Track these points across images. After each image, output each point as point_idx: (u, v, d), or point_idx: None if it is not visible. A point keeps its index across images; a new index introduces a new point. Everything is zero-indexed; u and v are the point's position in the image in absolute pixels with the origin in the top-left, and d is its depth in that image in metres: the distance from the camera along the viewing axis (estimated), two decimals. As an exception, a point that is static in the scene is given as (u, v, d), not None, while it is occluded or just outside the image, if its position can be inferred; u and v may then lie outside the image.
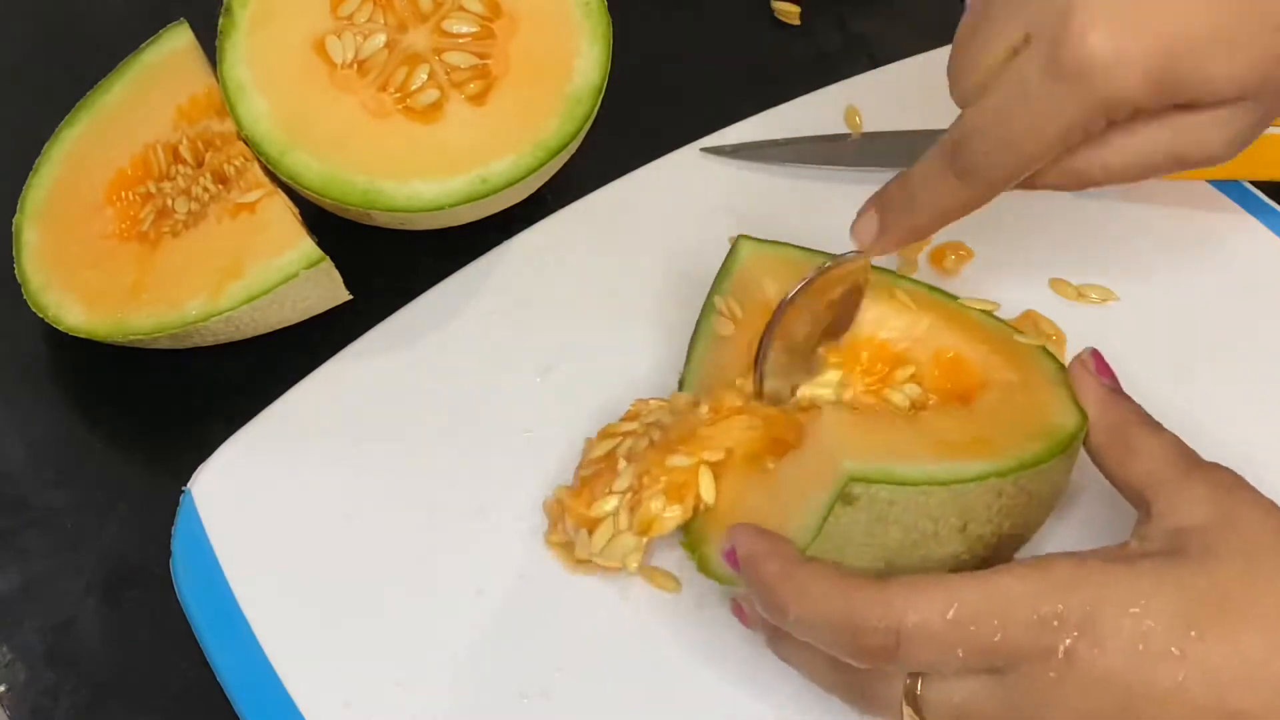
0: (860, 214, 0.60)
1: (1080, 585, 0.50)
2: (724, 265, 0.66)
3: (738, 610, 0.58)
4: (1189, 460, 0.55)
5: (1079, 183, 0.57)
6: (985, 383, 0.60)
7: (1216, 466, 0.54)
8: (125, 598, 0.64)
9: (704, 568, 0.58)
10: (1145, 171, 0.57)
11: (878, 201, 0.60)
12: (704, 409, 0.62)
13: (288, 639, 0.60)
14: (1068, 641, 0.49)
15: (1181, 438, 0.56)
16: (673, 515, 0.59)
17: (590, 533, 0.60)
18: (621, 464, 0.61)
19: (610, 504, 0.60)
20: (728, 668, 0.59)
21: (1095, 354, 0.60)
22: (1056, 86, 0.53)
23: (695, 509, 0.60)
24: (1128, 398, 0.58)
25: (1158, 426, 0.57)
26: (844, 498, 0.54)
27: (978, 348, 0.62)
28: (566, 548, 0.62)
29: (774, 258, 0.65)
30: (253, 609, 0.60)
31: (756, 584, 0.54)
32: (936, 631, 0.50)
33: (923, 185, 0.58)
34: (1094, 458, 0.58)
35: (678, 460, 0.60)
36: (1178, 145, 0.56)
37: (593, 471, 0.62)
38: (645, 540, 0.60)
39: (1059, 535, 0.61)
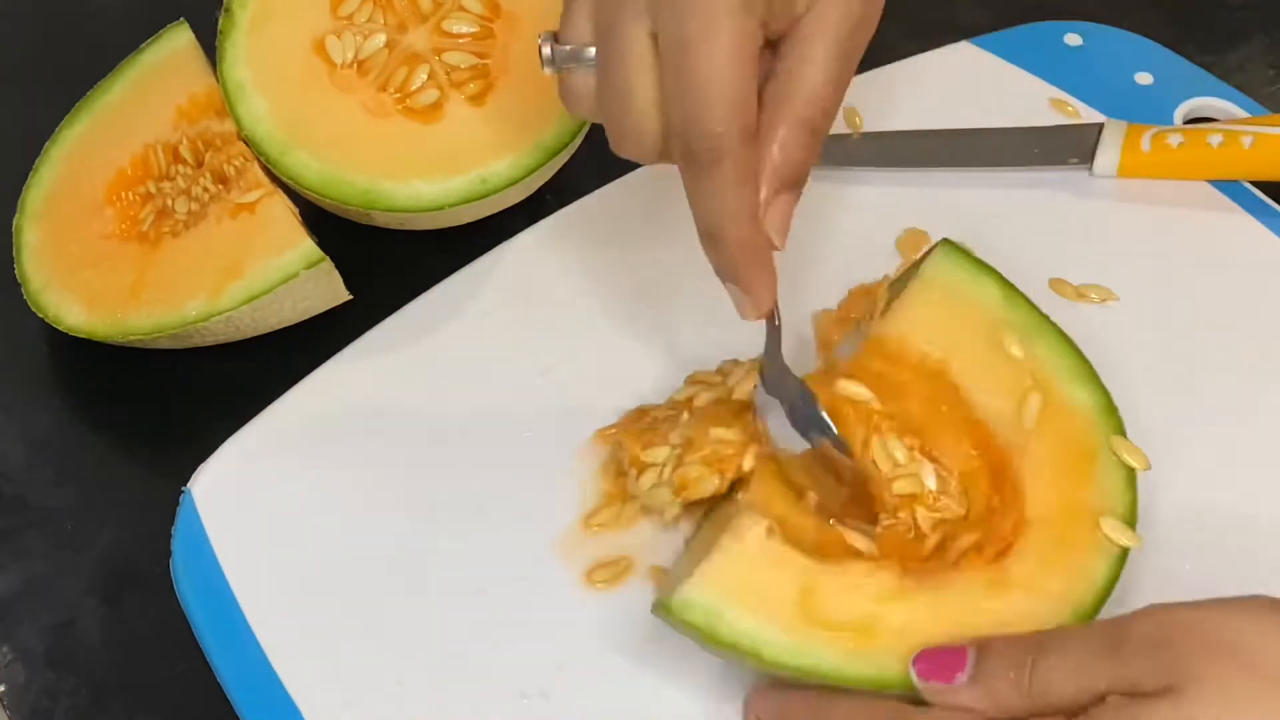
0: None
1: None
2: (916, 263, 0.63)
3: None
4: None
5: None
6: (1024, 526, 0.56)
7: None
8: (125, 598, 0.64)
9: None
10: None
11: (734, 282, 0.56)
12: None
13: (288, 639, 0.60)
14: None
15: (1181, 437, 0.55)
16: (709, 483, 0.59)
17: (639, 474, 0.61)
18: (684, 417, 0.61)
19: (660, 454, 0.60)
20: (728, 668, 0.59)
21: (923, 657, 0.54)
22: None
23: (734, 483, 0.59)
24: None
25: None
26: (656, 613, 0.55)
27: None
28: (617, 481, 0.62)
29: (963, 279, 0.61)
30: (253, 609, 0.60)
31: None
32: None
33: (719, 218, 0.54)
34: None
35: (721, 433, 0.59)
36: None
37: (664, 415, 0.62)
38: (679, 499, 0.60)
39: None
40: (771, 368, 0.59)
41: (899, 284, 0.62)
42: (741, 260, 0.55)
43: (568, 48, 0.56)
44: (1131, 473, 0.56)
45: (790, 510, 0.58)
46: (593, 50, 0.55)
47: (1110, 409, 0.58)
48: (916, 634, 0.53)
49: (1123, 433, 0.57)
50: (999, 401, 0.58)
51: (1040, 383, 0.58)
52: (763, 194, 0.54)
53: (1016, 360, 0.59)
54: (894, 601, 0.54)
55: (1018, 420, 0.58)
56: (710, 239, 0.55)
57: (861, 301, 0.65)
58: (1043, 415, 0.57)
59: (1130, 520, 0.55)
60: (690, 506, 0.61)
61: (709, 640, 0.54)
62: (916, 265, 0.62)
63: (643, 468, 0.61)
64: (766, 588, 0.54)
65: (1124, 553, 0.55)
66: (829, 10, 0.53)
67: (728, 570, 0.54)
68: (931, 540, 0.57)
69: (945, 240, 0.61)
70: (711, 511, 0.61)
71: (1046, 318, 0.60)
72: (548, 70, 0.57)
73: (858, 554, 0.56)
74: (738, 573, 0.54)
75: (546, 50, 0.57)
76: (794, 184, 0.55)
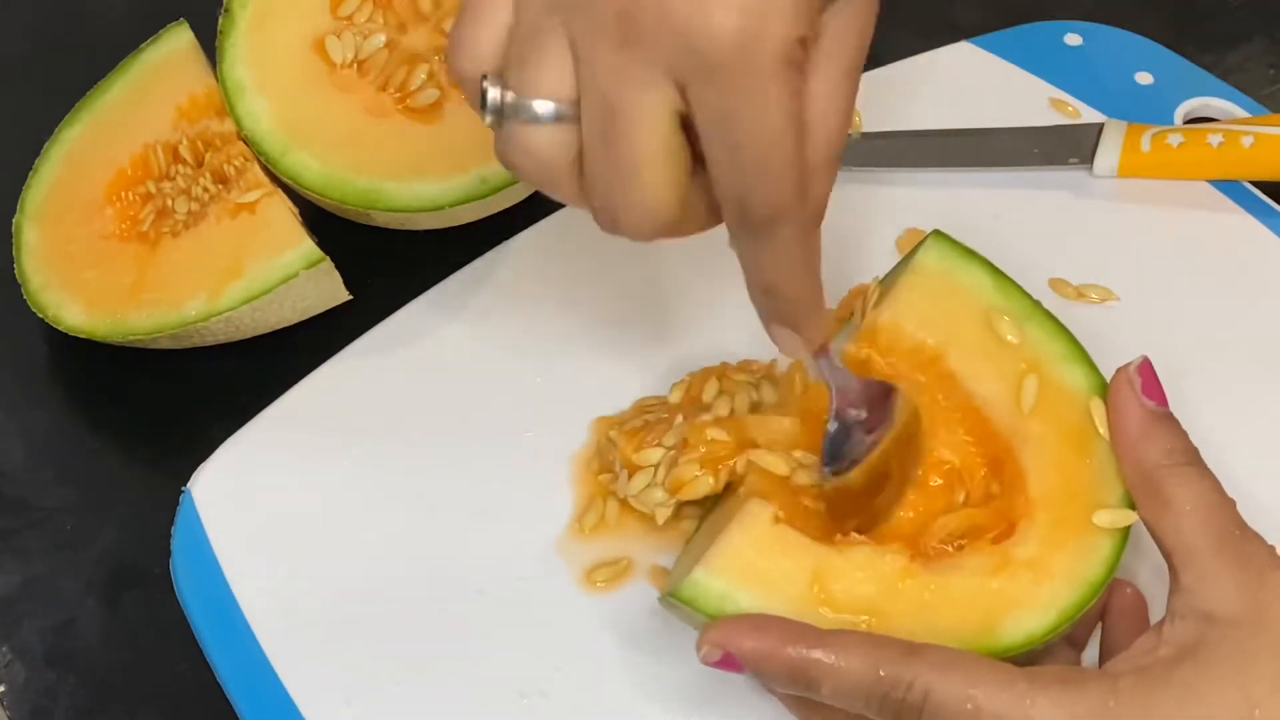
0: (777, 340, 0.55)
1: (1111, 712, 0.49)
2: (906, 256, 0.63)
3: (725, 662, 0.54)
4: (1223, 525, 0.52)
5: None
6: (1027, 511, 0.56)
7: (1252, 538, 0.52)
8: (125, 598, 0.64)
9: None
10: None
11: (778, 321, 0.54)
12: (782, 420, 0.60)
13: (288, 639, 0.60)
14: None
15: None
16: (703, 483, 0.59)
17: (630, 476, 0.60)
18: (678, 420, 0.61)
19: (654, 456, 0.60)
20: (728, 668, 0.59)
21: (1146, 368, 0.56)
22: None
23: (729, 484, 0.59)
24: (1172, 427, 0.55)
25: (1196, 471, 0.53)
26: (664, 602, 0.55)
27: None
28: (599, 479, 0.63)
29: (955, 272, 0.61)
30: (253, 609, 0.60)
31: (778, 674, 0.51)
32: (953, 717, 0.49)
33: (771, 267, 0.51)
34: (1130, 493, 0.55)
35: (715, 434, 0.59)
36: None
37: (657, 417, 0.62)
38: (674, 499, 0.60)
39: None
40: (840, 396, 0.58)
41: (891, 278, 0.62)
42: (801, 309, 0.52)
43: (532, 102, 0.47)
44: None
45: (792, 501, 0.58)
46: (564, 107, 0.47)
47: (1104, 389, 0.57)
48: (927, 614, 0.53)
49: None
50: (995, 386, 0.58)
51: (1035, 366, 0.58)
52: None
53: (1011, 345, 0.59)
54: (903, 583, 0.54)
55: (1015, 404, 0.58)
56: (767, 293, 0.52)
57: (858, 301, 0.65)
58: (1040, 398, 0.57)
59: (1130, 497, 0.55)
60: (683, 507, 0.61)
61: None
62: (909, 258, 0.62)
63: (634, 469, 0.61)
64: (776, 571, 0.54)
65: (1126, 530, 0.55)
66: (844, 39, 0.50)
67: (737, 555, 0.54)
68: (939, 530, 0.57)
69: (936, 231, 0.61)
70: (709, 513, 0.61)
71: (1038, 303, 0.60)
72: (488, 120, 0.48)
73: (863, 540, 0.56)
74: (747, 557, 0.54)
75: (493, 95, 0.47)
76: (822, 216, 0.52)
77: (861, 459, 0.58)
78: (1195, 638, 0.50)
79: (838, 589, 0.54)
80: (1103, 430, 0.56)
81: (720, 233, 0.70)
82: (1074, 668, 0.52)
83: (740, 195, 0.48)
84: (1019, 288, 0.60)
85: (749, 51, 0.45)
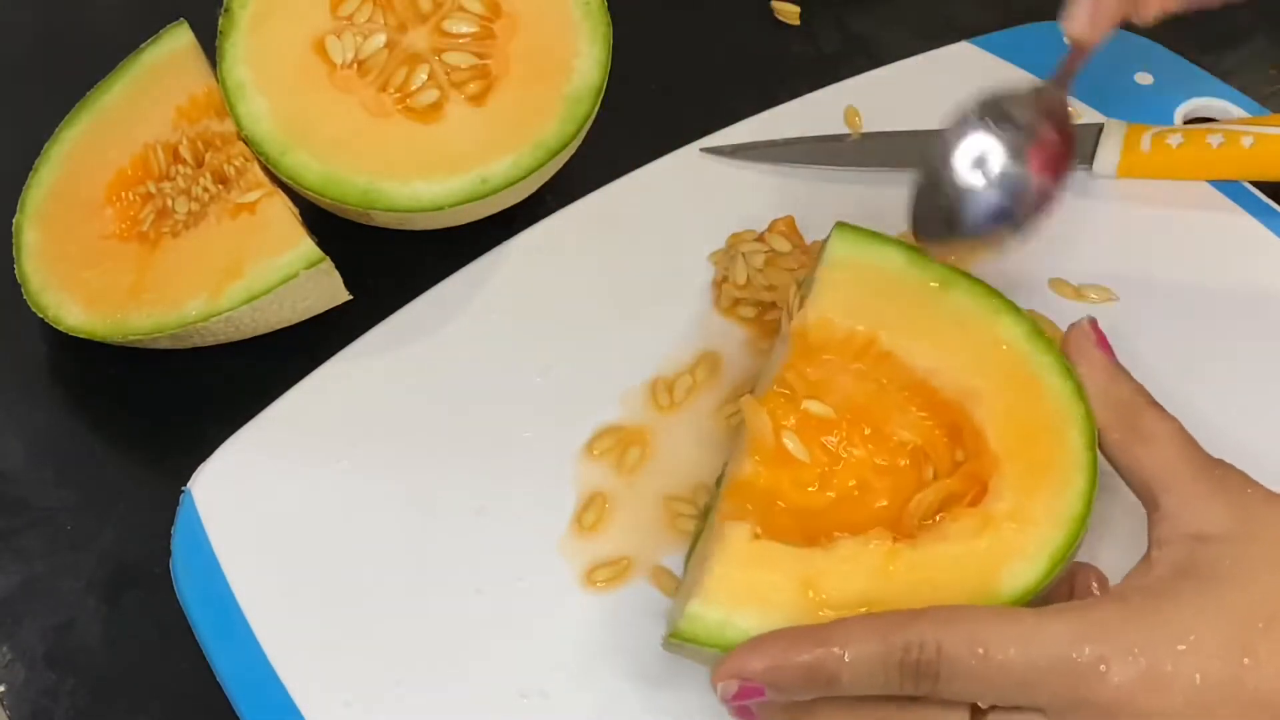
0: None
1: (1124, 629, 0.49)
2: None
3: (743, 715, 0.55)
4: (1197, 454, 0.54)
5: None
6: (996, 472, 0.57)
7: (1222, 464, 0.54)
8: (125, 598, 0.64)
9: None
10: None
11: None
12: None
13: (288, 639, 0.60)
14: (1118, 689, 0.48)
15: None
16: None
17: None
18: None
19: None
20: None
21: (1094, 324, 0.59)
22: None
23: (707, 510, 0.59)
24: (1128, 375, 0.57)
25: (1162, 410, 0.56)
26: (666, 645, 0.55)
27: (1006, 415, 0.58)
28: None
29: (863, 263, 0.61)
30: (253, 609, 0.60)
31: (796, 683, 0.51)
32: (970, 668, 0.49)
33: None
34: (1100, 437, 0.56)
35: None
36: None
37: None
38: None
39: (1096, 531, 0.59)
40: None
41: (808, 281, 0.62)
42: None
43: None
44: (1078, 385, 0.57)
45: (767, 509, 0.58)
46: None
47: (1036, 332, 0.58)
48: (923, 591, 0.53)
49: (1053, 350, 0.58)
50: (933, 355, 0.59)
51: (964, 326, 0.59)
52: None
53: (936, 312, 0.59)
54: (892, 566, 0.54)
55: (957, 367, 0.58)
56: None
57: (782, 309, 0.65)
58: (980, 355, 0.58)
59: (1089, 426, 0.56)
60: (682, 504, 0.61)
61: (725, 650, 0.53)
62: (818, 258, 0.62)
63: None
64: (767, 586, 0.54)
65: (1094, 459, 0.56)
66: None
67: (726, 580, 0.54)
68: (916, 509, 0.57)
69: (839, 223, 0.62)
70: (692, 549, 0.61)
71: (953, 268, 0.60)
72: None
73: (844, 533, 0.56)
74: (736, 580, 0.54)
75: None
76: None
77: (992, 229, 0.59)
78: (1188, 558, 0.51)
79: (830, 588, 0.54)
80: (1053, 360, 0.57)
81: (720, 237, 0.70)
82: (1076, 600, 0.52)
83: None
84: (930, 259, 0.60)
85: None
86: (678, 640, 0.54)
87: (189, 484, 0.64)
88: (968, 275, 0.60)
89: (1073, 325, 0.59)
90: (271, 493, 0.64)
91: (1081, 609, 0.50)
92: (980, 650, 0.49)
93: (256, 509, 0.63)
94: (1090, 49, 0.58)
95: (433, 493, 0.64)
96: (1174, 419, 0.55)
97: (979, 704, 0.50)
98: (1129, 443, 0.55)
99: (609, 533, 0.62)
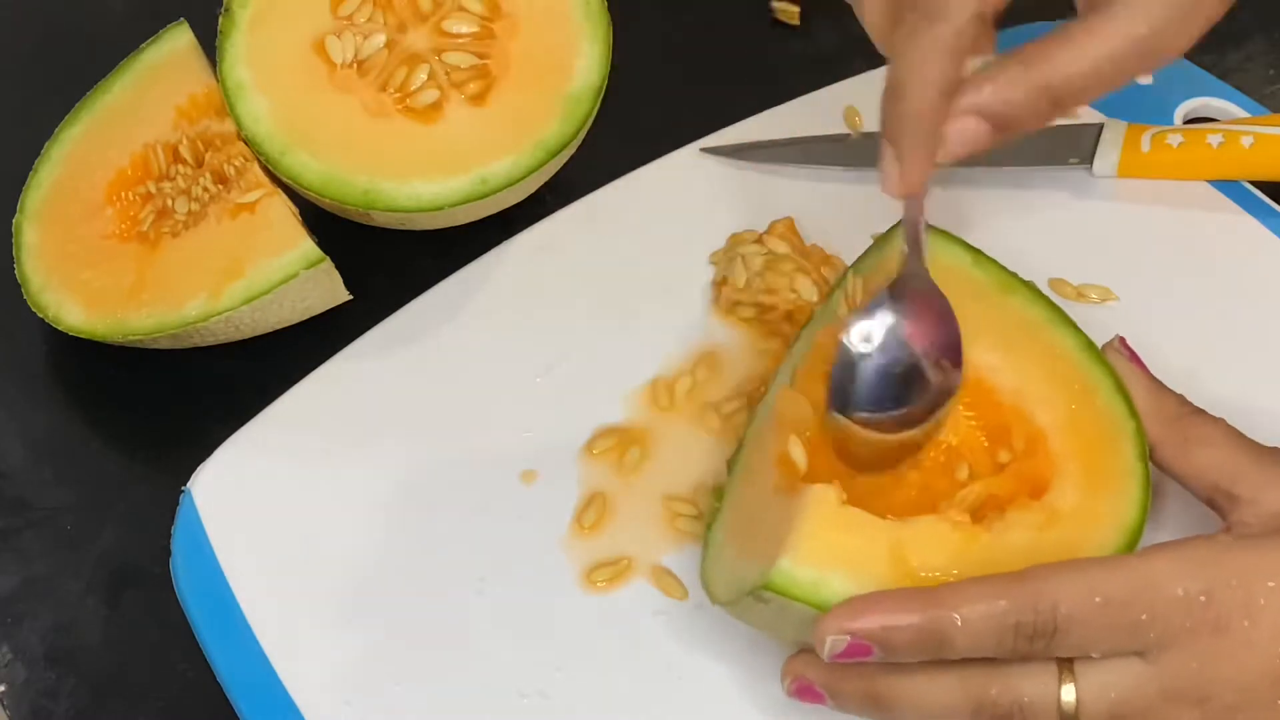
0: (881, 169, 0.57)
1: (1221, 563, 0.51)
2: (875, 244, 0.63)
3: (804, 691, 0.54)
4: (1251, 445, 0.56)
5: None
6: (1057, 473, 0.57)
7: (1274, 450, 0.56)
8: (125, 598, 0.64)
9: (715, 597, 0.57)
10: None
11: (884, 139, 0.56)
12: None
13: (288, 639, 0.60)
14: (1216, 617, 0.50)
15: None
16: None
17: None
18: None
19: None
20: (728, 669, 0.59)
21: (1124, 343, 0.60)
22: None
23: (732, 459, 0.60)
24: (1168, 388, 0.59)
25: (1206, 413, 0.57)
26: (755, 596, 0.54)
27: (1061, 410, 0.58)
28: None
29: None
30: (253, 609, 0.60)
31: (909, 644, 0.51)
32: (1087, 619, 0.50)
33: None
34: (1153, 452, 0.57)
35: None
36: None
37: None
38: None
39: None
40: (909, 264, 0.58)
41: (865, 265, 0.62)
42: (908, 125, 0.54)
43: None
44: (1128, 402, 0.58)
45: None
46: None
47: (1090, 344, 0.59)
48: (1004, 567, 0.53)
49: (1105, 365, 0.59)
50: (992, 356, 0.59)
51: (1026, 331, 0.59)
52: (960, 103, 0.54)
53: (1000, 314, 0.60)
54: (970, 546, 0.54)
55: (1017, 370, 0.59)
56: (891, 92, 0.55)
57: (840, 294, 0.64)
58: (1040, 361, 0.59)
59: (1140, 441, 0.57)
60: (681, 504, 0.62)
61: (818, 608, 0.52)
62: (879, 248, 0.62)
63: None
64: (858, 552, 0.54)
65: (1147, 471, 0.57)
66: (1146, 8, 0.54)
67: (817, 540, 0.53)
68: (960, 504, 0.57)
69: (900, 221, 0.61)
70: (714, 510, 0.60)
71: (1015, 275, 0.61)
72: None
73: (918, 510, 0.56)
74: (827, 541, 0.54)
75: None
76: (992, 121, 0.55)
77: (893, 413, 0.57)
78: (1269, 527, 0.53)
79: (915, 561, 0.54)
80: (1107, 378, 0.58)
81: (720, 237, 0.70)
82: (1171, 541, 0.53)
83: None
84: (994, 262, 0.61)
85: None
86: (768, 593, 0.53)
87: (189, 484, 0.64)
88: (1028, 284, 0.61)
89: (1105, 346, 0.60)
90: (271, 493, 0.64)
91: (1180, 547, 0.51)
92: (1098, 599, 0.50)
93: (256, 509, 0.63)
94: (920, 199, 0.57)
95: (432, 493, 0.64)
96: (1219, 419, 0.57)
97: (1090, 654, 0.51)
98: (1187, 451, 0.56)
99: (609, 533, 0.62)
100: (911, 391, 0.57)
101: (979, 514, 0.56)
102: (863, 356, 0.57)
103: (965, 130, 0.55)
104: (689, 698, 0.58)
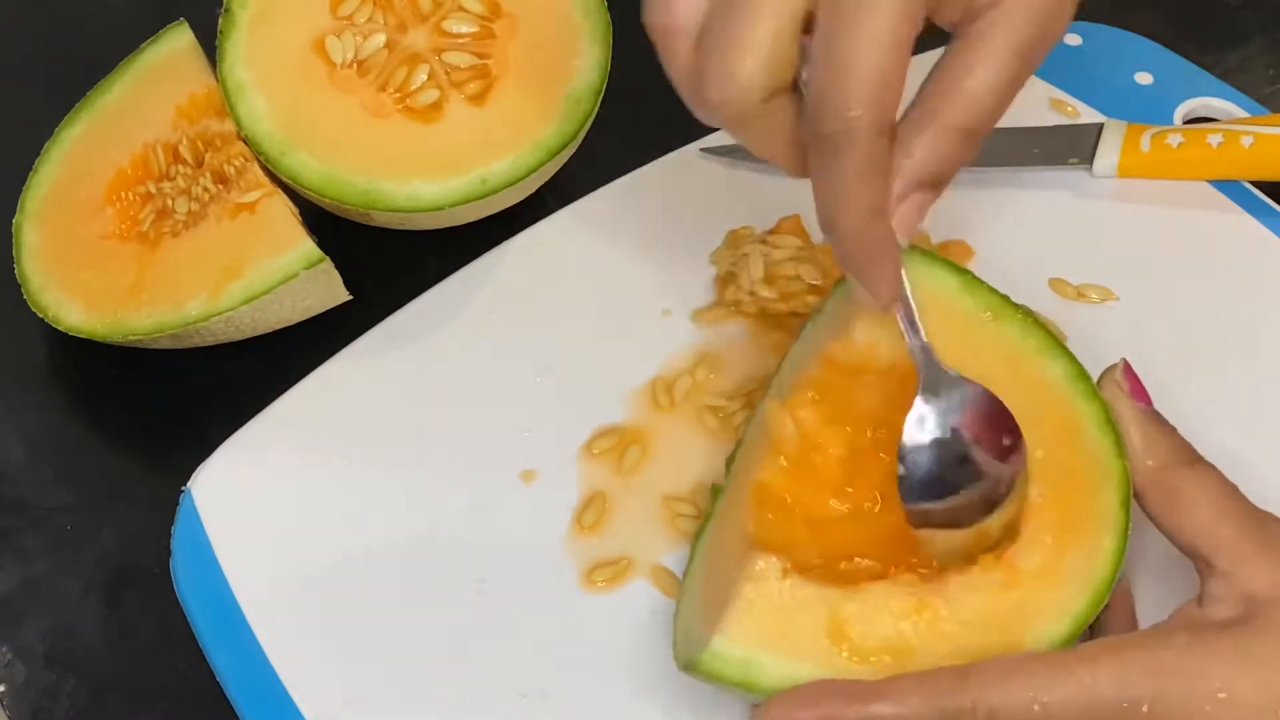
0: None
1: (1166, 671, 0.49)
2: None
3: None
4: (1241, 510, 0.53)
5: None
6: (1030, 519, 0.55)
7: (1268, 517, 0.53)
8: (125, 598, 0.64)
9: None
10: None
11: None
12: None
13: (288, 639, 0.60)
14: None
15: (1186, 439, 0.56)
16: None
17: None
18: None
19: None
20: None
21: (1129, 371, 0.56)
22: None
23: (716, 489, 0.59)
24: (1166, 427, 0.56)
25: (1204, 465, 0.54)
26: (693, 669, 0.54)
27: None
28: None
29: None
30: (253, 609, 0.60)
31: None
32: None
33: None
34: (1138, 498, 0.55)
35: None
36: None
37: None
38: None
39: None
40: (924, 368, 0.55)
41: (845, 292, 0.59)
42: (857, 253, 0.52)
43: None
44: (1118, 439, 0.55)
45: (786, 518, 0.57)
46: None
47: (1083, 375, 0.57)
48: (948, 643, 0.53)
49: (1096, 399, 0.56)
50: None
51: (1013, 363, 0.57)
52: (896, 189, 0.51)
53: (987, 345, 0.58)
54: (919, 615, 0.53)
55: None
56: (825, 226, 0.52)
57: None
58: (1025, 395, 0.56)
59: (1125, 483, 0.55)
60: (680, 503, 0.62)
61: (749, 691, 0.53)
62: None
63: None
64: (794, 628, 0.53)
65: (1127, 517, 0.55)
66: (1015, 9, 0.50)
67: (751, 617, 0.53)
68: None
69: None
70: (704, 526, 0.60)
71: (1006, 298, 0.58)
72: None
73: (870, 574, 0.55)
74: (762, 618, 0.53)
75: None
76: (933, 185, 0.52)
77: (962, 504, 0.55)
78: (1242, 613, 0.51)
79: (857, 634, 0.53)
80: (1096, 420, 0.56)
81: (720, 237, 0.70)
82: (1120, 636, 0.52)
83: (816, 99, 0.49)
84: (985, 285, 0.59)
85: None
86: (698, 674, 0.53)
87: (189, 484, 0.64)
88: (1022, 309, 0.58)
89: (1105, 373, 0.57)
90: (271, 493, 0.64)
91: (1130, 649, 0.50)
92: (1036, 708, 0.49)
93: (256, 509, 0.63)
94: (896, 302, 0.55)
95: (433, 493, 0.64)
96: (1214, 473, 0.54)
97: None
98: (1172, 506, 0.54)
99: (609, 533, 0.62)
100: (982, 481, 0.55)
101: (942, 568, 0.55)
102: (928, 473, 0.55)
103: (912, 209, 0.52)
104: (689, 697, 0.58)
